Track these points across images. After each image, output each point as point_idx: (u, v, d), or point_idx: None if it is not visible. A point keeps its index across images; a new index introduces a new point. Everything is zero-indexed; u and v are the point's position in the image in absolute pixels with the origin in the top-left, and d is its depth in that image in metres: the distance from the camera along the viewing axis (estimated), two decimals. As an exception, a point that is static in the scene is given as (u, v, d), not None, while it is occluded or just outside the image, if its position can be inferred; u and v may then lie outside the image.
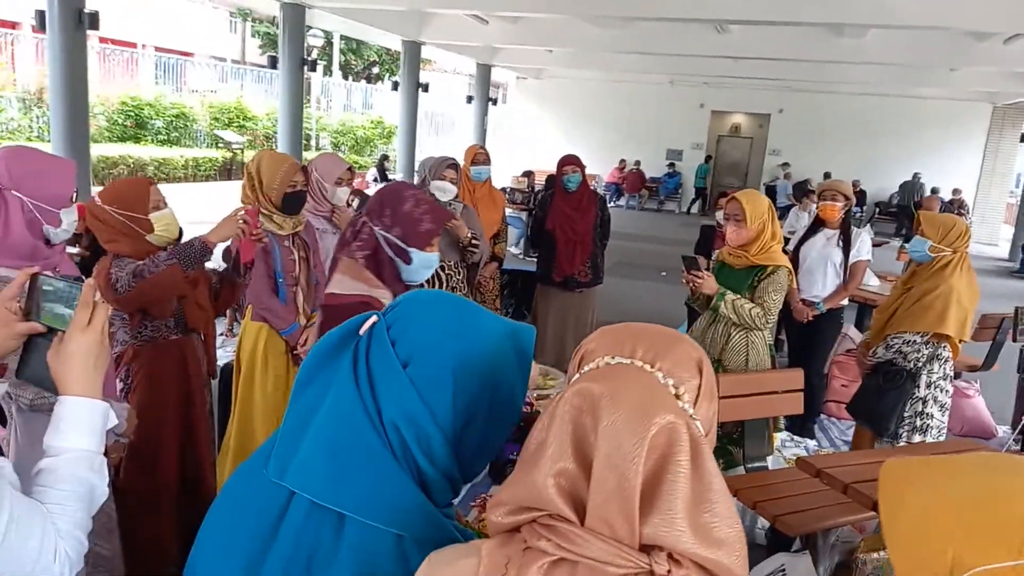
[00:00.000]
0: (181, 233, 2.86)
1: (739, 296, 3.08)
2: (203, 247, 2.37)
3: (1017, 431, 4.90)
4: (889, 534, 0.76)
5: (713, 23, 10.31)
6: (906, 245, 4.08)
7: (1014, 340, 1.93)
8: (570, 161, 4.77)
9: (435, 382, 0.84)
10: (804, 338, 4.48)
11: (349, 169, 3.34)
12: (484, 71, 16.77)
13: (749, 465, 3.08)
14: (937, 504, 0.73)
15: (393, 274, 1.92)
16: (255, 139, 17.82)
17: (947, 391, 3.31)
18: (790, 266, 3.22)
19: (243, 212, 2.50)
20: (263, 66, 18.90)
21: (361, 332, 0.89)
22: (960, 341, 3.29)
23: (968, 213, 17.09)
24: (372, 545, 0.81)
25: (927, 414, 3.25)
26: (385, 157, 15.76)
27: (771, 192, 16.99)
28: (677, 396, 0.72)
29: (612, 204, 16.46)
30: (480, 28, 12.38)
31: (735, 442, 3.17)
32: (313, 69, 11.20)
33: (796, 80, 15.74)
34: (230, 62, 22.04)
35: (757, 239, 3.12)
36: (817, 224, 4.41)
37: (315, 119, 19.63)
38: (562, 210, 4.74)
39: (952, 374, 3.39)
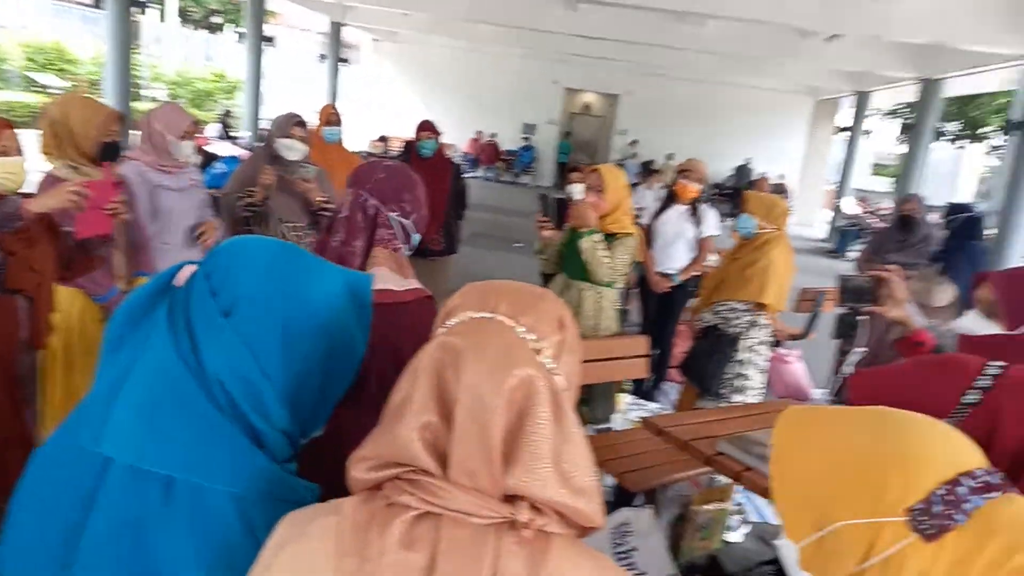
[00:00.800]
0: None
1: (603, 244, 3.18)
2: (16, 211, 2.14)
3: (832, 393, 5.49)
4: (776, 477, 0.80)
5: (566, -1, 10.50)
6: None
7: (838, 305, 2.17)
8: (426, 127, 4.71)
9: (262, 332, 0.80)
10: (659, 308, 4.75)
11: (194, 123, 3.11)
12: (336, 29, 16.13)
13: (596, 426, 3.23)
14: (819, 457, 0.77)
15: None
16: (78, 85, 16.12)
17: (765, 355, 3.62)
18: (639, 235, 3.40)
19: (80, 187, 2.25)
20: (89, 5, 17.09)
21: (177, 283, 0.84)
22: (776, 311, 3.60)
23: (789, 197, 18.73)
24: (208, 507, 0.77)
25: (745, 375, 3.54)
26: (228, 113, 14.80)
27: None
28: (538, 351, 0.73)
29: (468, 175, 16.48)
30: (333, -17, 11.87)
31: (583, 403, 3.31)
32: (143, 11, 10.24)
33: (644, 63, 16.43)
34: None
35: (612, 211, 3.27)
36: (669, 200, 4.66)
37: (148, 67, 18.05)
38: (417, 176, 4.68)
39: (770, 340, 3.71)
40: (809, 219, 18.79)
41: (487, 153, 19.30)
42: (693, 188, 4.45)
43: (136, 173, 2.83)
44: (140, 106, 16.55)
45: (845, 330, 2.65)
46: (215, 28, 25.77)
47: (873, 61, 11.62)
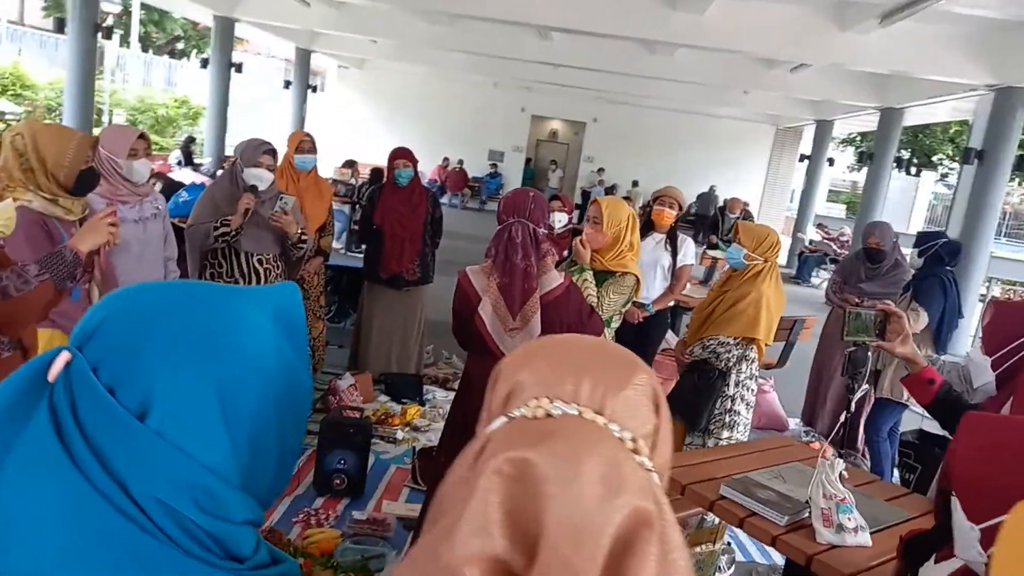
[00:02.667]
0: None
1: (593, 283, 3.09)
2: (75, 259, 2.00)
3: (804, 422, 5.45)
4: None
5: (535, 28, 10.54)
6: (718, 252, 4.36)
7: (841, 339, 2.10)
8: (402, 155, 4.60)
9: (195, 418, 0.60)
10: (635, 339, 4.65)
11: (141, 136, 2.89)
12: (304, 56, 16.03)
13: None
14: None
15: None
16: (35, 110, 15.70)
17: (752, 389, 3.55)
18: (639, 276, 3.29)
19: (112, 216, 2.14)
20: (47, 30, 16.70)
21: (50, 378, 0.61)
22: (766, 344, 3.54)
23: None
24: None
25: (735, 411, 3.46)
26: (191, 139, 14.52)
27: (586, 196, 17.83)
28: (635, 451, 0.58)
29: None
30: (300, 10, 11.77)
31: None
32: (108, 37, 10.02)
33: (610, 91, 16.60)
34: (5, 22, 19.31)
35: (613, 245, 3.17)
36: (647, 228, 4.58)
37: (108, 92, 17.69)
38: (391, 205, 4.56)
39: (757, 373, 3.65)
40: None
41: (454, 180, 19.24)
42: (669, 214, 4.39)
43: (91, 206, 2.65)
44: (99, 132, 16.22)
45: (856, 367, 2.59)
46: (177, 54, 25.44)
47: (836, 90, 11.87)
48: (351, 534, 3.02)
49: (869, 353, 2.58)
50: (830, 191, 33.05)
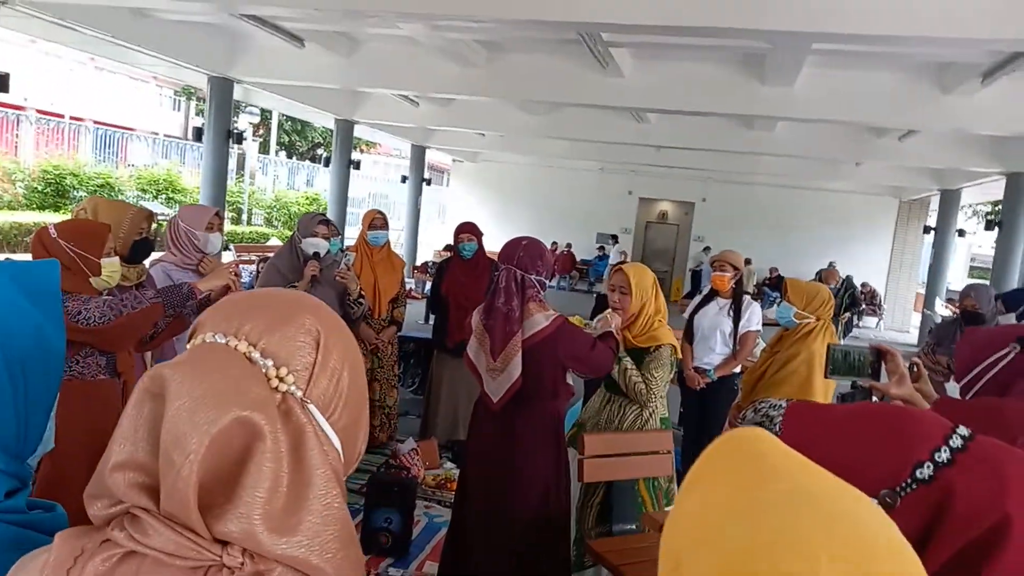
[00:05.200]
0: None
1: (634, 367, 3.08)
2: (190, 292, 2.37)
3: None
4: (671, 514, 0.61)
5: (629, 111, 10.79)
6: (770, 312, 4.22)
7: (825, 376, 1.95)
8: (466, 229, 4.82)
9: None
10: (699, 406, 4.51)
11: (216, 214, 3.30)
12: (418, 152, 17.10)
13: (616, 527, 3.01)
14: (689, 528, 0.57)
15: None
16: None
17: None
18: (675, 342, 3.22)
19: (235, 266, 2.57)
20: (200, 141, 18.86)
21: None
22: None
23: (880, 302, 17.90)
24: None
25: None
26: (315, 232, 15.68)
27: (696, 276, 17.52)
28: (280, 378, 0.66)
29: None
30: (411, 109, 12.67)
31: (606, 503, 3.11)
32: (239, 142, 11.20)
33: (716, 170, 16.50)
34: (163, 136, 21.95)
35: (640, 314, 3.11)
36: (711, 294, 4.51)
37: (247, 193, 19.53)
38: (456, 277, 4.76)
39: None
40: (901, 323, 17.88)
41: (562, 263, 19.49)
42: (726, 277, 4.30)
43: (162, 271, 2.99)
44: (239, 229, 17.86)
45: None
46: (319, 159, 27.94)
47: (955, 156, 11.26)
48: (387, 591, 3.06)
49: (865, 395, 2.38)
50: (974, 267, 30.74)
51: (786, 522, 0.52)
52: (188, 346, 0.70)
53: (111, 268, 2.32)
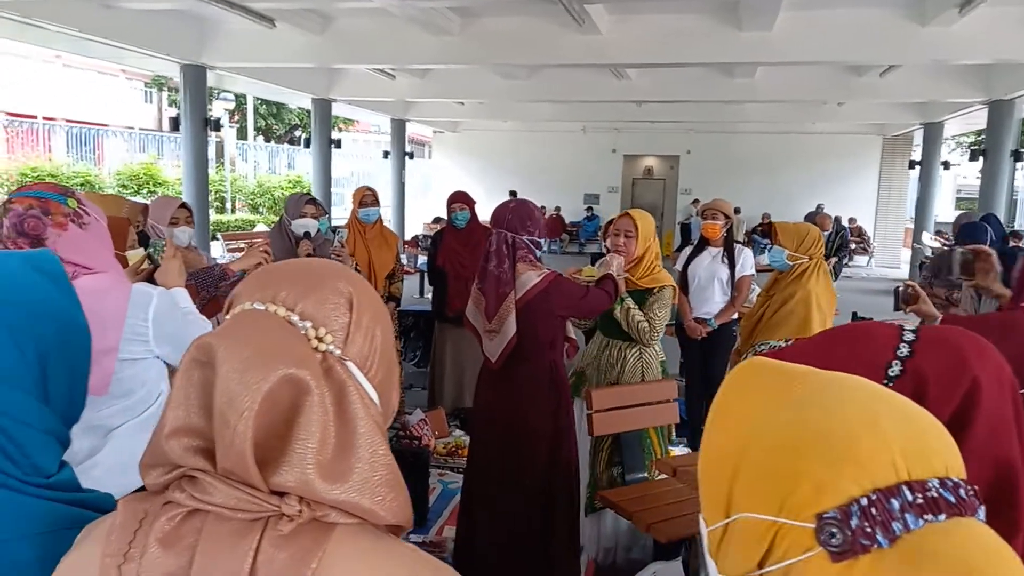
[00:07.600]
0: None
1: (635, 307, 3.14)
2: (222, 273, 2.43)
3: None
4: (703, 442, 0.67)
5: (608, 68, 10.71)
6: (762, 257, 4.26)
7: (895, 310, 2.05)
8: (458, 199, 4.82)
9: None
10: (700, 355, 4.57)
11: (182, 206, 3.27)
12: (399, 126, 16.94)
13: (628, 476, 3.08)
14: (741, 428, 0.62)
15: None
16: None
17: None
18: (675, 284, 3.30)
19: (266, 243, 2.67)
20: (169, 132, 18.66)
21: None
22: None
23: (869, 239, 18.01)
24: None
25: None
26: (302, 214, 15.59)
27: (686, 229, 17.55)
28: (319, 339, 0.70)
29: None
30: (388, 83, 12.54)
31: (616, 454, 3.18)
32: (217, 129, 11.09)
33: (699, 121, 16.43)
34: (138, 130, 21.68)
35: (643, 258, 3.21)
36: (702, 243, 4.54)
37: (229, 181, 19.36)
38: (451, 247, 4.77)
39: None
40: (891, 260, 18.01)
41: (552, 227, 19.48)
42: (717, 225, 4.33)
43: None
44: (224, 218, 17.73)
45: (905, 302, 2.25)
46: (297, 141, 27.62)
47: (936, 88, 11.25)
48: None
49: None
50: (960, 198, 30.82)
51: (831, 401, 0.59)
52: (227, 316, 0.73)
53: (135, 260, 2.33)
